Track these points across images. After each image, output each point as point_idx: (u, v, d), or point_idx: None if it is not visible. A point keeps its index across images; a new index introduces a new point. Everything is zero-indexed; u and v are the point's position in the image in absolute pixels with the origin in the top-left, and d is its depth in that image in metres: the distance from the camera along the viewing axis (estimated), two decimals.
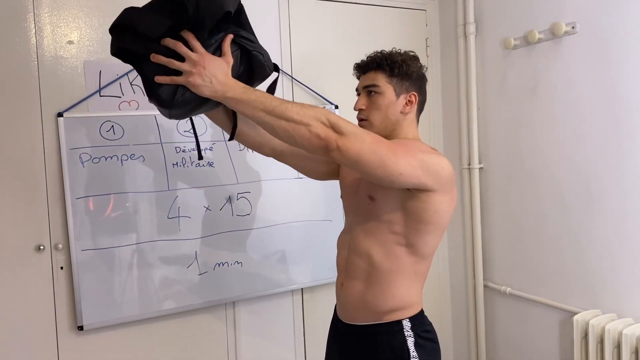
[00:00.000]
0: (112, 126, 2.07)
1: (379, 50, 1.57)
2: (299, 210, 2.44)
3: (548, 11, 2.28)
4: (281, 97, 1.34)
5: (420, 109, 1.60)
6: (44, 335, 2.01)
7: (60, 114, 2.00)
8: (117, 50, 1.32)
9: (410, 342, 1.48)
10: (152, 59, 1.27)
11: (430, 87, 2.81)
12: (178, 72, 1.27)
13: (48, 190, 2.00)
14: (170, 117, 1.38)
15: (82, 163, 2.01)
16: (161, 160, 2.14)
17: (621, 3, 2.04)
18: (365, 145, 1.29)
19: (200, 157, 1.57)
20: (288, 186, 2.39)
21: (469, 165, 2.71)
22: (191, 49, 1.27)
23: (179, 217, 2.17)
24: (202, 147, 2.21)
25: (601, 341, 2.04)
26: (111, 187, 2.06)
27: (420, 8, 2.82)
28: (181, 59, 1.27)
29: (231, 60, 1.32)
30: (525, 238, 2.49)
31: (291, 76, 2.46)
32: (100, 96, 2.08)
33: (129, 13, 1.30)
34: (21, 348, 1.98)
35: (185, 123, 2.19)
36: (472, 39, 2.65)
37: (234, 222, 2.28)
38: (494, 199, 2.65)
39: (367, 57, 1.57)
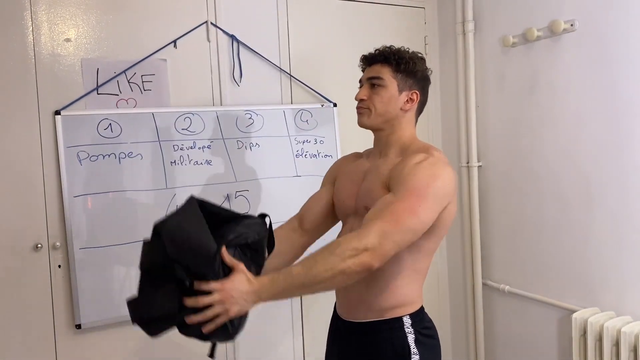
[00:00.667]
0: (110, 124, 2.06)
1: (388, 45, 1.57)
2: (297, 209, 2.42)
3: (547, 9, 2.28)
4: (302, 261, 1.34)
5: (420, 110, 1.60)
6: (41, 334, 2.01)
7: (57, 112, 1.99)
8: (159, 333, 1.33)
9: (411, 338, 1.48)
10: (189, 322, 1.26)
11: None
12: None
13: (46, 188, 1.99)
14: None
15: (80, 161, 2.01)
16: (159, 158, 2.14)
17: (620, 1, 2.03)
18: (393, 237, 1.32)
19: (212, 356, 1.47)
20: (286, 184, 2.39)
21: (468, 163, 2.71)
22: (209, 292, 1.25)
23: None
24: (200, 145, 2.22)
25: (600, 339, 2.04)
26: (109, 185, 2.06)
27: (419, 6, 2.81)
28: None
29: (242, 265, 1.31)
30: (524, 236, 2.48)
31: (290, 74, 2.45)
32: (98, 94, 2.07)
33: (136, 306, 1.31)
34: (19, 347, 1.97)
35: (183, 121, 2.19)
36: (470, 36, 2.65)
37: None
38: (492, 197, 2.65)
39: (375, 50, 1.57)
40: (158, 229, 1.30)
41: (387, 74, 1.52)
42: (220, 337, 1.32)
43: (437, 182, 1.41)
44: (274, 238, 1.47)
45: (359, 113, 1.56)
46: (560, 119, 2.27)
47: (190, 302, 1.25)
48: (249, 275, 1.30)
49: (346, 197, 1.61)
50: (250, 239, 1.36)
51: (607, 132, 2.11)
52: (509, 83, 2.50)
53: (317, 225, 1.71)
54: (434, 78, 2.85)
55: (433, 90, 2.83)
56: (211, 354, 1.38)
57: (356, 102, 1.57)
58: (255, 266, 1.36)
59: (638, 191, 2.03)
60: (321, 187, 1.78)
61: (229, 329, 1.29)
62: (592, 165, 2.16)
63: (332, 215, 1.72)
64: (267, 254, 1.43)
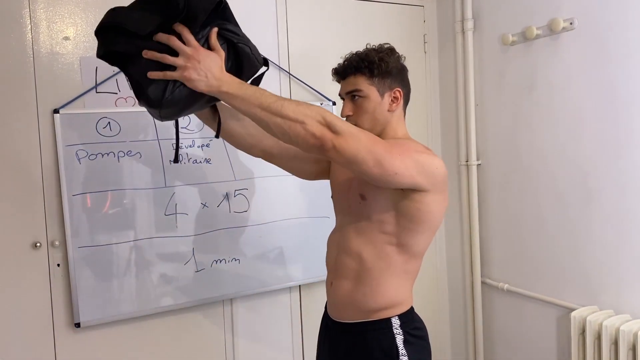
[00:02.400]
0: (109, 123, 2.06)
1: (354, 51, 1.53)
2: (296, 207, 2.43)
3: (546, 7, 2.28)
4: (277, 94, 1.32)
5: (406, 101, 1.57)
6: (41, 333, 2.01)
7: (56, 111, 1.99)
8: (104, 52, 1.29)
9: (399, 339, 1.47)
10: (144, 55, 1.24)
11: (428, 84, 2.84)
12: (171, 69, 1.25)
13: (44, 187, 1.99)
14: (160, 118, 1.35)
15: (79, 160, 2.01)
16: (158, 157, 2.14)
17: None
18: (361, 144, 1.29)
19: (176, 161, 1.52)
20: (285, 183, 2.39)
21: (467, 161, 2.71)
22: (185, 43, 1.24)
23: (176, 214, 2.17)
24: (199, 144, 2.22)
25: (598, 337, 2.04)
26: (108, 184, 2.06)
27: (418, 4, 2.81)
28: (174, 54, 1.24)
29: (223, 54, 1.30)
30: (523, 234, 2.49)
31: (288, 72, 2.45)
32: (97, 92, 2.07)
33: (115, 13, 1.27)
34: (18, 345, 1.97)
35: (182, 120, 2.18)
36: (470, 35, 2.65)
37: (231, 219, 2.28)
38: (491, 196, 2.65)
39: (344, 61, 1.53)
40: None
41: (363, 84, 1.48)
42: (153, 94, 1.26)
43: (426, 156, 1.41)
44: (259, 82, 1.44)
45: None
46: (559, 118, 2.27)
47: (162, 36, 1.23)
48: (223, 65, 1.28)
49: (340, 175, 1.60)
50: (243, 46, 1.34)
51: (605, 131, 2.11)
52: (508, 81, 2.50)
53: (287, 149, 1.65)
54: (433, 77, 2.85)
55: (432, 89, 2.86)
56: (175, 159, 1.39)
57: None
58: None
59: (636, 189, 2.03)
60: None
61: (164, 94, 1.26)
62: (591, 163, 2.16)
63: (306, 160, 1.68)
64: (242, 77, 1.38)
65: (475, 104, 2.67)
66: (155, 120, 2.12)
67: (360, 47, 1.59)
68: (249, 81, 1.41)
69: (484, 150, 2.67)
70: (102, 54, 1.30)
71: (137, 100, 1.31)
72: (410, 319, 1.52)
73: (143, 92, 1.27)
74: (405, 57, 1.58)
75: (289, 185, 2.39)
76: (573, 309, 2.19)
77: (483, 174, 2.69)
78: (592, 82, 2.14)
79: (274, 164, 1.72)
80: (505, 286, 2.58)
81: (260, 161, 2.32)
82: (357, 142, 1.28)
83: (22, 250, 1.97)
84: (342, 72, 1.53)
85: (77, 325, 2.02)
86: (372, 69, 1.47)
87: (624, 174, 2.06)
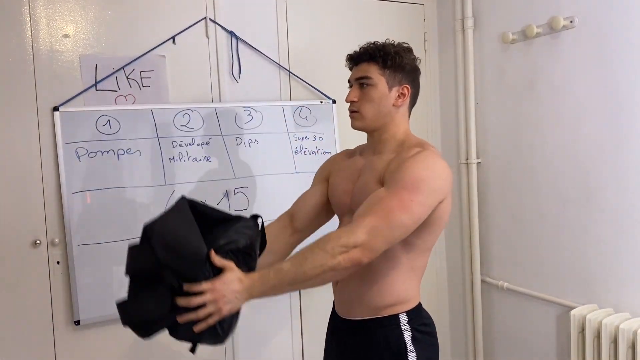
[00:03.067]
0: (109, 120, 2.06)
1: (372, 41, 1.54)
2: None
3: (546, 5, 2.28)
4: (290, 259, 1.34)
5: (413, 102, 1.57)
6: (40, 330, 2.01)
7: (56, 108, 1.99)
8: (150, 335, 1.34)
9: (407, 336, 1.47)
10: (180, 321, 1.26)
11: (428, 82, 2.83)
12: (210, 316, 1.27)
13: (44, 184, 1.99)
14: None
15: (79, 157, 2.01)
16: (158, 155, 2.14)
17: None
18: (383, 232, 1.32)
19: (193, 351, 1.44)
20: (285, 181, 2.39)
21: (467, 160, 2.71)
22: (201, 293, 1.25)
23: None
24: (199, 142, 2.22)
25: (598, 336, 2.04)
26: (108, 181, 2.05)
27: (418, 2, 2.80)
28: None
29: (232, 264, 1.31)
30: (523, 233, 2.49)
31: (288, 70, 2.45)
32: (97, 90, 2.07)
33: (127, 311, 1.31)
34: (18, 343, 1.97)
35: (182, 117, 2.19)
36: (470, 33, 2.64)
37: None
38: (491, 194, 2.65)
39: (360, 48, 1.54)
40: (148, 232, 1.29)
41: (374, 72, 1.49)
42: (210, 339, 1.31)
43: (431, 176, 1.40)
44: (265, 238, 1.46)
45: (351, 116, 1.54)
46: (559, 116, 2.27)
47: (182, 301, 1.25)
48: (239, 273, 1.29)
49: (342, 194, 1.60)
50: (242, 244, 1.36)
51: (606, 129, 2.10)
52: (508, 80, 2.50)
53: (308, 224, 1.70)
54: (433, 75, 2.85)
55: (432, 88, 2.85)
56: (192, 349, 1.37)
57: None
58: (247, 268, 1.35)
59: (637, 188, 2.03)
60: (312, 186, 1.76)
61: (219, 330, 1.29)
62: (591, 162, 2.16)
63: (323, 213, 1.71)
64: (258, 255, 1.43)
65: (475, 103, 2.67)
66: (155, 119, 2.14)
67: (360, 45, 1.59)
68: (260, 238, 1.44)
69: (484, 149, 2.67)
70: (146, 336, 1.34)
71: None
72: (418, 315, 1.52)
73: (203, 342, 1.33)
74: (420, 60, 1.59)
75: (288, 183, 2.39)
76: (573, 308, 2.19)
77: (483, 172, 2.68)
78: (593, 81, 2.14)
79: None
80: (505, 284, 2.58)
81: (260, 159, 2.33)
82: (379, 234, 1.31)
83: (21, 248, 1.97)
84: (356, 58, 1.54)
85: (77, 323, 2.02)
86: (386, 59, 1.49)
87: (623, 172, 2.06)
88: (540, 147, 2.37)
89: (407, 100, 1.53)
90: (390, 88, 1.50)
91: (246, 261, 1.37)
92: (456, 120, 2.77)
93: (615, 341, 1.99)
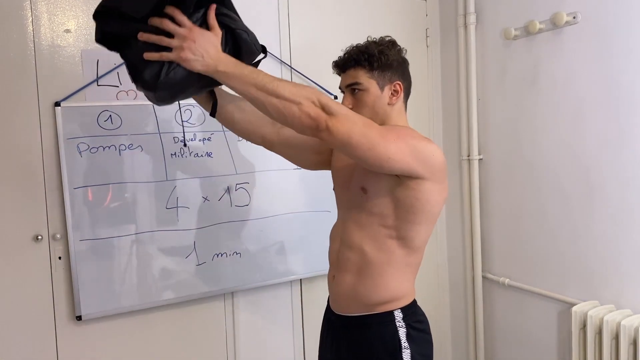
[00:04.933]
0: (110, 116, 2.06)
1: (355, 44, 1.53)
2: (297, 201, 2.43)
3: (549, 1, 2.27)
4: (274, 75, 1.32)
5: (407, 95, 1.57)
6: (42, 325, 2.01)
7: (57, 104, 1.98)
8: (102, 36, 1.30)
9: (402, 332, 1.47)
10: (140, 38, 1.24)
11: (429, 78, 2.83)
12: (167, 50, 1.25)
13: (46, 180, 1.99)
14: (157, 101, 1.36)
15: (80, 153, 2.01)
16: (159, 150, 2.13)
17: None
18: (355, 127, 1.29)
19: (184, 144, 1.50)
20: (287, 177, 2.39)
21: (469, 156, 2.71)
22: (178, 25, 1.24)
23: (177, 207, 2.17)
24: (200, 137, 2.21)
25: (599, 332, 2.04)
26: (109, 177, 2.05)
27: None
28: (169, 36, 1.25)
29: (220, 33, 1.30)
30: (525, 229, 2.48)
31: (290, 66, 2.44)
32: (98, 85, 2.07)
33: None
34: (20, 338, 1.98)
35: (183, 113, 2.18)
36: (472, 29, 2.64)
37: (233, 213, 2.28)
38: (493, 190, 2.65)
39: (344, 54, 1.53)
40: None
41: (363, 77, 1.48)
42: (148, 76, 1.27)
43: (423, 143, 1.40)
44: (257, 65, 1.44)
45: None
46: (561, 112, 2.27)
47: (155, 20, 1.24)
48: (219, 44, 1.28)
49: (342, 167, 1.60)
50: (240, 32, 1.34)
51: (608, 126, 2.10)
52: (510, 76, 2.49)
53: (288, 141, 1.66)
54: (435, 71, 2.84)
55: (434, 84, 2.85)
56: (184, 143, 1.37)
57: None
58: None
59: (638, 184, 2.02)
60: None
61: (164, 72, 1.26)
62: (593, 158, 2.16)
63: (307, 150, 1.68)
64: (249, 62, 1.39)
65: (477, 98, 2.67)
66: (157, 114, 2.13)
67: (362, 40, 1.58)
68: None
69: (485, 145, 2.67)
70: (99, 38, 1.31)
71: (134, 84, 1.31)
72: (412, 312, 1.52)
73: (139, 75, 1.28)
74: (406, 50, 1.57)
75: (290, 179, 2.39)
76: (574, 304, 2.19)
77: (484, 168, 2.68)
78: (595, 77, 2.13)
79: (275, 152, 1.72)
80: (506, 281, 2.58)
81: (261, 155, 2.32)
82: (351, 124, 1.29)
83: (23, 243, 1.97)
84: (342, 65, 1.53)
85: (79, 318, 2.03)
86: (372, 62, 1.47)
87: (626, 168, 2.06)
88: (542, 144, 2.36)
89: (401, 95, 1.53)
90: (382, 88, 1.49)
91: (230, 50, 1.34)
92: (458, 116, 2.77)
93: (616, 338, 1.99)
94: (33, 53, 1.96)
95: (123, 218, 2.08)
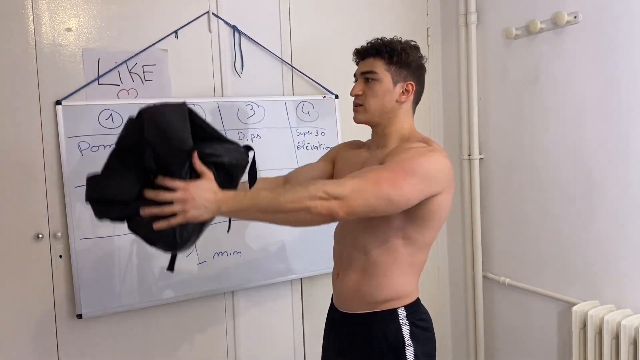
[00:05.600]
0: (111, 114, 2.06)
1: (380, 37, 1.56)
2: None
3: (550, 1, 2.26)
4: (270, 189, 1.36)
5: (417, 100, 1.58)
6: (43, 324, 2.01)
7: (58, 102, 1.98)
8: (101, 216, 1.33)
9: (405, 330, 1.48)
10: (142, 214, 1.25)
11: (430, 77, 2.83)
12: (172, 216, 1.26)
13: (47, 178, 1.99)
14: (181, 252, 1.39)
15: (81, 151, 2.01)
16: None
17: None
18: (367, 195, 1.31)
19: (170, 269, 1.47)
20: None
21: (469, 155, 2.71)
22: (173, 190, 1.25)
23: None
24: None
25: (600, 332, 2.04)
26: None
27: None
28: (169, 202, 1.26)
29: (211, 175, 1.31)
30: (525, 229, 2.48)
31: (291, 65, 2.44)
32: (99, 84, 2.07)
33: (95, 184, 1.31)
34: (20, 337, 1.98)
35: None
36: (473, 28, 2.63)
37: None
38: (494, 190, 2.65)
39: (367, 43, 1.56)
40: (142, 111, 1.30)
41: (380, 67, 1.51)
42: (165, 242, 1.29)
43: (429, 165, 1.40)
44: (256, 173, 1.47)
45: (354, 110, 1.56)
46: (562, 112, 2.27)
47: (150, 193, 1.25)
48: (215, 185, 1.29)
49: (346, 169, 1.62)
50: (226, 161, 1.36)
51: (609, 125, 2.10)
52: (511, 75, 2.49)
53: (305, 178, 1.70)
54: (436, 70, 2.84)
55: (435, 83, 2.85)
56: (170, 267, 1.37)
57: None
58: (224, 187, 1.34)
59: (639, 184, 2.02)
60: (319, 160, 1.79)
61: (178, 235, 1.28)
62: (594, 158, 2.16)
63: (326, 176, 1.72)
64: (238, 183, 1.42)
65: (478, 98, 2.67)
66: None
67: (363, 40, 1.60)
68: (248, 171, 1.45)
69: (486, 144, 2.67)
70: (99, 217, 1.34)
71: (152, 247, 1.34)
72: (416, 310, 1.53)
73: (155, 244, 1.32)
74: (427, 59, 1.60)
75: None
76: (574, 304, 2.19)
77: (485, 168, 2.68)
78: (596, 77, 2.13)
79: None
80: (507, 280, 2.58)
81: (262, 154, 2.32)
82: (363, 195, 1.30)
83: (24, 242, 1.97)
84: (362, 53, 1.56)
85: (79, 316, 2.03)
86: (392, 55, 1.50)
87: (627, 169, 2.05)
88: (542, 143, 2.36)
89: (411, 97, 1.54)
90: (395, 84, 1.51)
91: (226, 180, 1.36)
92: (459, 116, 2.77)
93: (616, 337, 1.99)
94: (34, 52, 1.96)
95: None
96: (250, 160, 1.45)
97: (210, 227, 2.20)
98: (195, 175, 1.30)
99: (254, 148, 2.22)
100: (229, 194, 1.30)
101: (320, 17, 2.53)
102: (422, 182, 1.37)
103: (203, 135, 1.36)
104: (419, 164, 1.39)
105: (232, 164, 1.37)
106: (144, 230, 1.29)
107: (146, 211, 1.25)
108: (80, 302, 2.02)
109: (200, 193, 1.25)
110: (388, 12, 2.69)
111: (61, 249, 2.02)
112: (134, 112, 2.06)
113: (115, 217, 1.31)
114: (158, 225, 1.25)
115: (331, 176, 1.73)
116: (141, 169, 1.26)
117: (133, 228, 1.32)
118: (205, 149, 1.33)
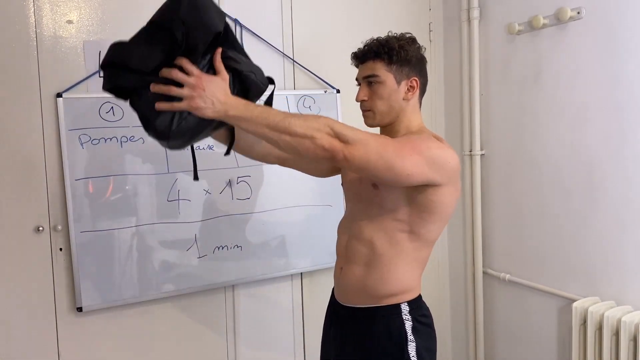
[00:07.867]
0: (112, 107, 2.05)
1: (375, 37, 1.54)
2: (299, 195, 2.43)
3: None
4: (284, 111, 1.33)
5: (422, 92, 1.58)
6: (43, 317, 2.02)
7: (59, 95, 1.98)
8: (111, 87, 1.32)
9: (408, 325, 1.49)
10: (152, 89, 1.25)
11: (432, 73, 2.80)
12: (178, 100, 1.25)
13: (47, 171, 1.99)
14: (169, 148, 1.37)
15: (82, 144, 2.00)
16: None
17: None
18: (371, 150, 1.30)
19: (196, 178, 1.52)
20: (288, 171, 2.35)
21: (471, 151, 2.70)
22: (187, 73, 1.25)
23: (178, 200, 2.16)
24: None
25: (600, 328, 2.04)
26: (111, 169, 2.05)
27: None
28: (179, 85, 1.25)
29: (227, 77, 1.30)
30: (526, 225, 2.48)
31: (293, 59, 2.44)
32: (100, 77, 2.06)
33: (118, 49, 1.29)
34: (20, 329, 1.98)
35: None
36: (475, 24, 2.62)
37: (234, 206, 2.28)
38: (495, 186, 2.64)
39: (364, 46, 1.54)
40: None
41: (381, 69, 1.49)
42: (160, 125, 1.28)
43: (439, 151, 1.41)
44: (272, 100, 1.46)
45: (363, 115, 1.56)
46: (564, 108, 2.26)
47: (165, 71, 1.24)
48: (227, 88, 1.29)
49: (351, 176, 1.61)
50: (246, 71, 1.35)
51: (611, 122, 2.09)
52: (513, 71, 2.48)
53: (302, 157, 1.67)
54: (438, 66, 2.83)
55: (437, 78, 2.84)
56: (195, 176, 1.42)
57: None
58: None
59: None
60: None
61: (174, 122, 1.28)
62: (595, 154, 2.15)
63: (320, 161, 1.69)
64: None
65: (480, 94, 2.66)
66: None
67: (365, 35, 1.59)
68: (263, 102, 1.43)
69: (487, 140, 2.66)
70: (109, 88, 1.33)
71: (146, 132, 1.33)
72: (418, 306, 1.54)
73: (151, 124, 1.29)
74: (425, 48, 1.58)
75: (291, 173, 2.35)
76: (574, 300, 2.19)
77: (487, 164, 2.68)
78: (599, 73, 2.12)
79: (288, 167, 1.75)
80: (507, 276, 2.58)
81: None
82: (367, 148, 1.30)
83: (24, 235, 1.97)
84: (361, 57, 1.54)
85: (79, 309, 2.03)
86: (391, 55, 1.48)
87: (628, 165, 2.05)
88: (544, 139, 2.36)
89: (417, 92, 1.54)
90: (398, 83, 1.50)
91: (239, 93, 1.35)
92: (460, 112, 2.76)
93: (616, 334, 1.99)
94: (35, 44, 1.96)
95: (124, 210, 2.08)
96: (268, 92, 1.44)
97: (211, 221, 2.22)
98: (212, 73, 1.29)
99: None
100: (241, 100, 1.29)
101: (322, 11, 2.52)
102: (426, 163, 1.37)
103: (233, 40, 1.36)
104: (428, 147, 1.40)
105: (249, 79, 1.36)
106: (145, 108, 1.28)
107: (156, 87, 1.25)
108: (81, 295, 2.02)
109: (211, 87, 1.25)
110: (390, 7, 2.68)
111: (61, 242, 2.02)
112: None
113: (125, 86, 1.30)
114: (161, 105, 1.25)
115: (338, 171, 1.73)
116: (168, 46, 1.25)
117: (134, 104, 1.32)
118: (228, 53, 1.33)
